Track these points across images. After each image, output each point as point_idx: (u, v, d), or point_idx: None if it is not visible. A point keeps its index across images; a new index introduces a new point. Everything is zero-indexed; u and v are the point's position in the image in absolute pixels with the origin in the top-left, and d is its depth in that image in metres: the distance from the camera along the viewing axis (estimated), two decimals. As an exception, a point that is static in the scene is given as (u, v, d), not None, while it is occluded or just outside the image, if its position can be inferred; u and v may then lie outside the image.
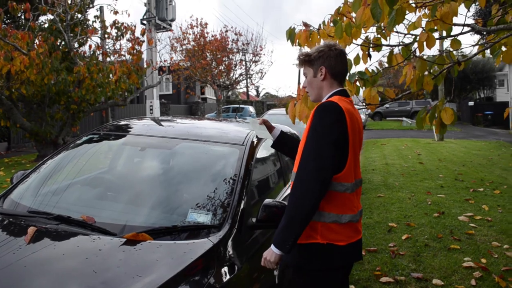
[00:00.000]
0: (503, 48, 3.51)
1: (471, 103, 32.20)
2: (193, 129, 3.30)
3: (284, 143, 2.52)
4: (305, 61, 2.13)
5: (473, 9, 18.76)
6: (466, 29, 3.14)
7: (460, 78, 31.28)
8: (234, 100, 41.92)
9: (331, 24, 4.04)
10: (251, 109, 30.33)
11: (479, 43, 3.59)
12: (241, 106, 32.20)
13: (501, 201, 6.67)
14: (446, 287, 3.70)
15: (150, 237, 2.04)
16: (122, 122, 3.34)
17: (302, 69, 2.17)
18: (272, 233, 2.64)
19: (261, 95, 63.19)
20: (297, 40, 4.04)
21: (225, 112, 28.53)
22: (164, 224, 2.22)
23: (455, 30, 3.35)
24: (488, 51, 4.08)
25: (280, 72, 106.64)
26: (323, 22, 4.14)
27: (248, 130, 3.06)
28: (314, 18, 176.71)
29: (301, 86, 2.16)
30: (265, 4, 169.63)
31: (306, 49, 2.20)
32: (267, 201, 2.26)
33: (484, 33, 3.21)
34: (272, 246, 1.90)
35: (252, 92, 56.79)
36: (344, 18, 4.07)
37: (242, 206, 2.35)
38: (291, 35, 4.02)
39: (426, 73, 3.32)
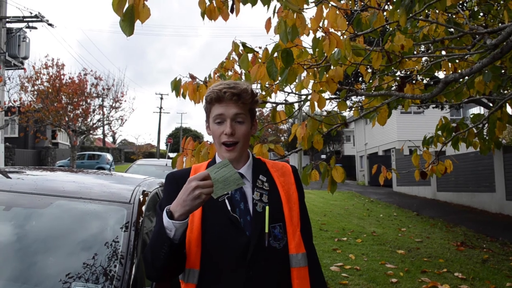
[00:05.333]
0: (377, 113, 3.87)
1: (323, 156, 35.40)
2: (69, 183, 2.86)
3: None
4: (252, 104, 1.54)
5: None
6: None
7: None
8: (89, 147, 39.54)
9: (217, 78, 4.06)
10: (109, 156, 28.74)
11: (354, 107, 3.96)
12: (98, 153, 30.35)
13: (364, 249, 7.19)
14: None
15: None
16: None
17: (234, 109, 1.48)
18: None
19: (117, 141, 61.00)
20: (182, 92, 3.94)
21: (80, 159, 26.53)
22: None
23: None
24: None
25: (140, 120, 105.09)
26: (209, 75, 4.14)
27: (134, 186, 2.75)
28: (176, 67, 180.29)
29: (228, 131, 1.46)
30: (127, 50, 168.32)
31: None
32: None
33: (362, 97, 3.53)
34: None
35: (109, 139, 54.56)
36: (229, 72, 4.13)
37: (133, 275, 2.05)
38: (177, 86, 3.91)
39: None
